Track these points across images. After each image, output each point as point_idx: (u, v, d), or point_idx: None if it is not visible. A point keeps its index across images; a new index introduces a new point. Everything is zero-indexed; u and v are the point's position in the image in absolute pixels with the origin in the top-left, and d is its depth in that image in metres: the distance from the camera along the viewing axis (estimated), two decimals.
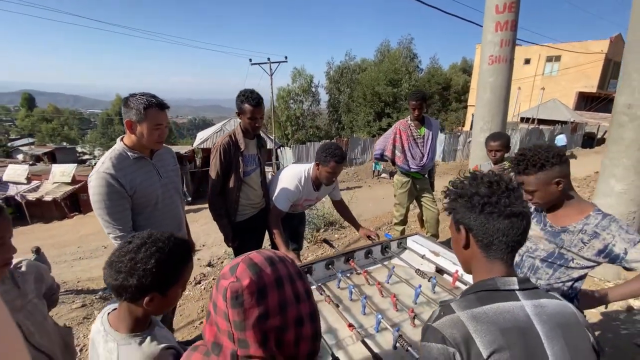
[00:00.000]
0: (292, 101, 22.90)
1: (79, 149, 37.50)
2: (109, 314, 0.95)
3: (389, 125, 20.89)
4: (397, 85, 21.44)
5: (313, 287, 1.85)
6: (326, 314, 1.68)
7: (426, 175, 3.41)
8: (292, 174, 2.29)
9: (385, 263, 2.22)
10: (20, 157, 27.90)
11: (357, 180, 15.38)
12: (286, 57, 17.72)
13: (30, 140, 38.16)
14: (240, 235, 2.39)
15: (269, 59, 17.45)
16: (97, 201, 1.61)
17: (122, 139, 1.72)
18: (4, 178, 17.52)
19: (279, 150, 17.86)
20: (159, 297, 0.88)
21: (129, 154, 1.68)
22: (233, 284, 0.65)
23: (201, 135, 21.31)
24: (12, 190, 16.92)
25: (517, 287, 0.76)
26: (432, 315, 0.79)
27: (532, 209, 1.52)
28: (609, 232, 1.25)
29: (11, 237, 0.91)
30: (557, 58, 21.45)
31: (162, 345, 0.91)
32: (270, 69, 17.63)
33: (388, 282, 1.97)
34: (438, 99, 22.24)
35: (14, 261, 1.02)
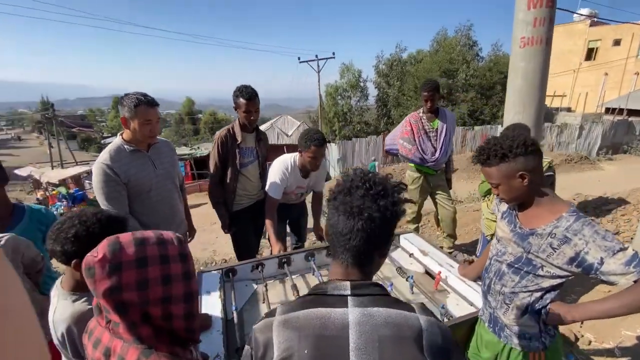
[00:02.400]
0: (339, 97, 22.80)
1: None
2: (63, 276, 1.11)
3: None
4: (452, 76, 19.99)
5: (290, 277, 1.89)
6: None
7: (441, 171, 3.19)
8: (279, 163, 2.34)
9: None
10: None
11: (404, 178, 14.84)
12: (334, 53, 17.75)
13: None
14: (237, 224, 2.53)
15: (316, 56, 17.66)
16: (97, 188, 1.85)
17: (121, 134, 1.94)
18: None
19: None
20: None
21: (125, 147, 1.89)
22: (89, 257, 0.73)
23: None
24: None
25: (348, 292, 0.71)
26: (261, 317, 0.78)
27: (506, 208, 1.36)
28: (581, 238, 1.07)
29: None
30: None
31: (90, 307, 1.04)
32: (318, 66, 17.83)
33: None
34: (500, 89, 20.18)
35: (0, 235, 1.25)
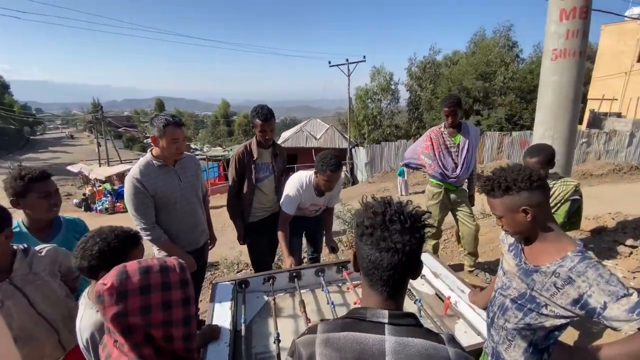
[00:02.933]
0: (369, 100, 22.62)
1: (192, 145, 44.39)
2: (90, 286, 1.26)
3: (478, 123, 18.80)
4: (489, 79, 19.09)
5: (303, 291, 1.95)
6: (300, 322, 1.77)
7: (463, 187, 3.10)
8: (295, 180, 2.42)
9: None
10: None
11: (425, 184, 14.36)
12: (364, 57, 17.66)
13: None
14: (252, 235, 2.64)
15: (347, 60, 17.68)
16: (127, 199, 2.03)
17: (151, 151, 2.12)
18: None
19: (353, 150, 17.98)
20: None
21: (154, 162, 2.06)
22: (99, 285, 0.84)
23: (284, 135, 22.94)
24: None
25: (386, 320, 0.75)
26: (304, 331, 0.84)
27: (513, 241, 1.33)
28: (584, 280, 1.03)
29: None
30: None
31: None
32: (348, 70, 17.83)
33: None
34: None
35: (40, 247, 1.43)
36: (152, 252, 2.20)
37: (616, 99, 18.36)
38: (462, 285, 1.90)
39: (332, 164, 2.19)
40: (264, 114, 2.37)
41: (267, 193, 2.59)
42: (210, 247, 2.56)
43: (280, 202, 2.45)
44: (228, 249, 5.52)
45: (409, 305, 1.87)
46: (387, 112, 23.07)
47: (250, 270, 4.14)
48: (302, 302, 1.79)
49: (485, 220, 4.99)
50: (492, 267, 3.49)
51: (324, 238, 2.72)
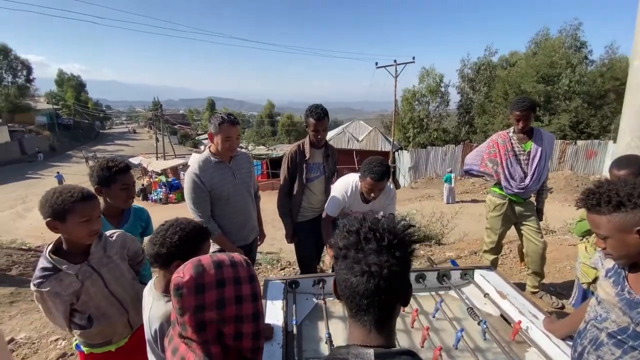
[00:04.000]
0: (417, 102, 21.87)
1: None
2: (156, 278, 1.31)
3: None
4: (552, 82, 17.41)
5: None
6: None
7: (531, 200, 2.81)
8: (342, 183, 2.36)
9: (441, 293, 2.01)
10: (202, 147, 36.83)
11: (485, 193, 13.47)
12: (414, 58, 17.14)
13: None
14: (300, 234, 2.63)
15: (395, 61, 17.27)
16: (186, 193, 2.12)
17: (209, 147, 2.20)
18: (189, 163, 23.48)
19: (396, 154, 17.51)
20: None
21: (212, 159, 2.13)
22: (177, 277, 0.84)
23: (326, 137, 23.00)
24: None
25: None
26: None
27: (612, 265, 1.14)
28: None
29: (98, 216, 1.34)
30: None
31: None
32: (396, 71, 17.42)
33: (434, 317, 1.80)
34: (614, 98, 16.85)
35: (110, 232, 1.52)
36: None
37: None
38: (534, 309, 1.70)
39: (375, 172, 2.07)
40: (318, 112, 2.35)
41: (316, 193, 2.56)
42: (259, 243, 2.60)
43: (326, 203, 2.41)
44: (268, 245, 5.62)
45: (471, 325, 1.71)
46: (435, 115, 22.15)
47: (294, 269, 4.16)
48: None
49: (549, 237, 4.52)
50: (557, 290, 3.14)
51: None
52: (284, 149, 20.39)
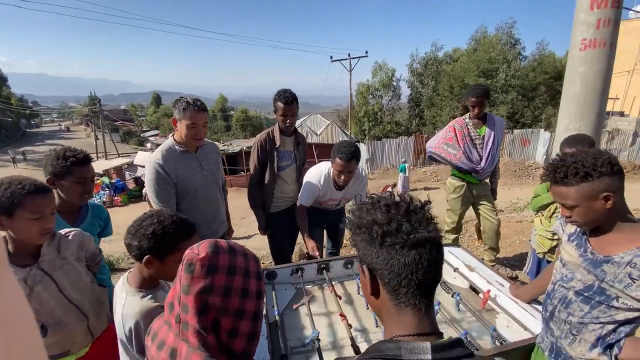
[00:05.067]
0: (371, 96, 22.51)
1: None
2: (129, 272, 1.17)
3: None
4: (490, 77, 19.02)
5: (326, 284, 1.88)
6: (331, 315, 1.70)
7: (486, 181, 3.03)
8: (315, 172, 2.34)
9: None
10: (148, 145, 34.27)
11: (436, 181, 14.32)
12: (367, 52, 17.55)
13: (156, 132, 46.38)
14: (274, 225, 2.56)
15: (349, 54, 17.53)
16: (149, 185, 1.93)
17: (172, 135, 2.02)
18: (135, 162, 21.77)
19: None
20: (157, 262, 1.06)
21: (176, 147, 1.96)
22: (191, 253, 0.77)
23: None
24: (139, 172, 20.94)
25: (429, 356, 0.54)
26: None
27: (574, 230, 1.25)
28: None
29: (52, 212, 1.17)
30: None
31: (157, 304, 1.09)
32: (350, 65, 17.70)
33: None
34: (544, 90, 18.92)
35: (66, 230, 1.33)
36: None
37: (618, 98, 18.41)
38: (500, 279, 1.83)
39: (344, 152, 2.07)
40: (287, 96, 2.27)
41: (289, 182, 2.50)
42: (228, 238, 2.48)
43: (299, 194, 2.38)
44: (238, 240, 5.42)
45: (445, 298, 1.80)
46: (388, 109, 22.99)
47: (271, 262, 4.06)
48: (334, 292, 1.72)
49: (499, 215, 4.94)
50: (510, 262, 3.44)
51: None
52: (240, 144, 19.78)
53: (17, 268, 1.13)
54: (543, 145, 14.71)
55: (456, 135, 2.85)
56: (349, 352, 1.42)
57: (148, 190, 1.96)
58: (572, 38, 2.89)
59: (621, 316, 1.08)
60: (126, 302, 1.05)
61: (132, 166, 21.54)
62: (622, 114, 17.80)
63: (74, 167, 1.46)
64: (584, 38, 2.77)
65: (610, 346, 1.11)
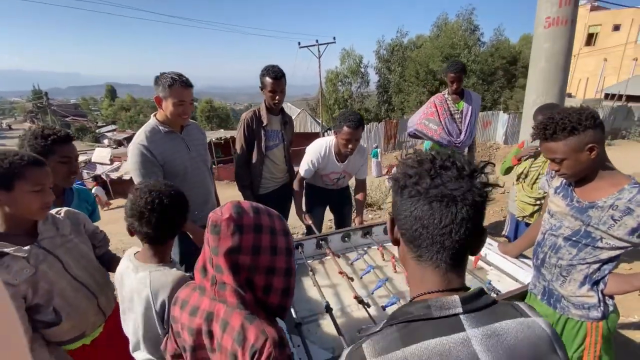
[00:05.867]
0: (340, 83, 22.59)
1: None
2: (135, 254, 1.12)
3: None
4: None
5: (328, 258, 1.92)
6: (337, 284, 1.73)
7: (464, 154, 3.19)
8: (317, 144, 2.34)
9: None
10: (105, 141, 32.07)
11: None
12: (334, 38, 17.47)
13: (114, 127, 43.50)
14: None
15: (317, 41, 17.37)
16: (134, 169, 1.82)
17: (155, 115, 1.91)
18: (92, 159, 20.34)
19: (326, 134, 17.95)
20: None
21: (160, 128, 1.86)
22: (215, 215, 0.77)
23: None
24: (98, 170, 19.62)
25: (459, 309, 0.54)
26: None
27: (560, 183, 1.37)
28: None
29: (50, 185, 1.10)
30: None
31: (187, 274, 1.08)
32: (319, 51, 17.56)
33: None
34: (502, 74, 20.03)
35: (54, 210, 1.24)
36: None
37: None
38: (488, 239, 1.96)
39: (351, 120, 2.09)
40: (275, 71, 2.22)
41: (277, 162, 2.47)
42: None
43: (300, 166, 2.37)
44: None
45: None
46: (358, 96, 23.22)
47: None
48: (331, 254, 1.75)
49: None
50: (489, 230, 3.67)
51: (357, 213, 2.53)
52: (208, 136, 19.10)
53: (17, 247, 1.05)
54: (502, 127, 15.63)
55: (437, 110, 2.96)
56: (358, 315, 1.47)
57: (133, 174, 1.85)
58: (536, 16, 3.08)
59: (605, 255, 1.21)
60: (152, 278, 1.02)
61: (89, 164, 20.12)
62: (569, 95, 19.30)
63: (56, 145, 1.35)
64: (548, 16, 2.96)
65: (596, 282, 1.24)
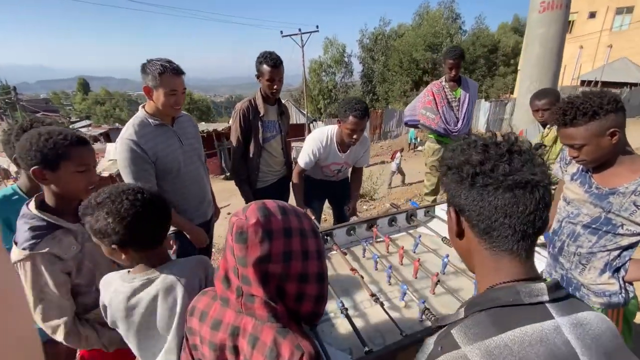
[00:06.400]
0: (324, 73, 22.32)
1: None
2: (127, 271, 1.00)
3: None
4: (436, 51, 19.89)
5: (334, 252, 1.85)
6: (346, 281, 1.67)
7: None
8: (318, 133, 2.24)
9: (411, 232, 2.13)
10: None
11: (382, 155, 14.89)
12: (317, 27, 17.14)
13: (88, 122, 41.60)
14: None
15: (299, 29, 17.00)
16: (124, 166, 1.68)
17: (143, 107, 1.76)
18: None
19: (311, 125, 17.77)
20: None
21: (150, 120, 1.72)
22: (240, 220, 0.67)
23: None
24: None
25: (546, 297, 0.52)
26: (425, 349, 0.58)
27: (577, 169, 1.33)
28: None
29: (95, 165, 1.12)
30: (630, 9, 18.42)
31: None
32: (302, 40, 17.22)
33: (415, 252, 1.88)
34: (483, 63, 20.32)
35: None
36: None
37: None
38: None
39: (357, 109, 1.97)
40: (273, 59, 2.08)
41: (275, 155, 2.36)
42: (215, 220, 2.31)
43: (299, 156, 2.27)
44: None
45: (450, 252, 1.86)
46: (342, 86, 23.05)
47: None
48: (339, 250, 1.69)
49: None
50: None
51: (352, 200, 2.49)
52: None
53: (67, 223, 1.08)
54: (484, 115, 15.93)
55: (434, 99, 2.91)
56: (372, 312, 1.42)
57: (123, 172, 1.70)
58: (531, 2, 3.05)
59: (625, 242, 1.19)
60: (156, 280, 0.92)
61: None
62: None
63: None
64: (542, 1, 2.93)
65: (617, 269, 1.22)
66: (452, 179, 0.60)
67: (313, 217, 2.18)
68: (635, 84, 16.32)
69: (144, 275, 0.93)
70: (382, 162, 13.05)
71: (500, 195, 0.54)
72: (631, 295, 1.25)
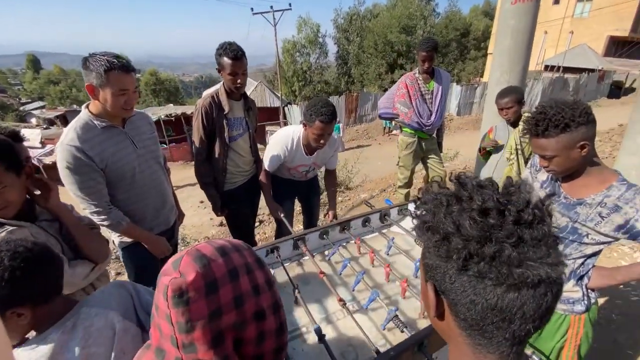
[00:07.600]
0: (298, 54, 21.66)
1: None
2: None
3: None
4: (411, 33, 19.81)
5: (306, 258, 1.79)
6: (318, 288, 1.62)
7: (434, 135, 3.17)
8: (282, 135, 2.12)
9: (384, 232, 2.10)
10: (33, 121, 28.19)
11: (367, 138, 14.95)
12: (290, 5, 16.42)
13: (42, 103, 38.18)
14: (232, 204, 2.30)
15: (271, 7, 16.22)
16: (66, 176, 1.48)
17: (87, 106, 1.55)
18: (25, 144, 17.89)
19: (286, 108, 17.36)
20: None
21: (95, 122, 1.51)
22: (175, 280, 0.56)
23: (206, 94, 20.78)
24: (32, 154, 17.34)
25: None
26: None
27: (546, 177, 1.33)
28: (632, 206, 1.08)
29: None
30: None
31: None
32: (274, 19, 16.49)
33: (388, 254, 1.86)
34: (455, 46, 20.54)
35: None
36: (111, 241, 1.74)
37: None
38: None
39: (324, 114, 1.85)
40: (234, 50, 1.89)
41: (242, 154, 2.22)
42: (179, 224, 2.16)
43: (264, 158, 2.16)
44: (197, 233, 4.93)
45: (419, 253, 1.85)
46: (317, 67, 22.54)
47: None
48: (308, 251, 1.64)
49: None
50: None
51: (331, 207, 2.41)
52: (156, 113, 17.57)
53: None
54: (455, 98, 16.26)
55: (408, 92, 2.85)
56: (345, 324, 1.38)
57: (67, 184, 1.50)
58: None
59: (590, 250, 1.21)
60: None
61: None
62: None
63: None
64: None
65: (581, 277, 1.25)
66: (433, 250, 0.45)
67: (282, 215, 2.10)
68: (593, 70, 17.21)
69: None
70: (358, 147, 13.05)
71: (501, 294, 0.41)
72: (593, 301, 1.29)
